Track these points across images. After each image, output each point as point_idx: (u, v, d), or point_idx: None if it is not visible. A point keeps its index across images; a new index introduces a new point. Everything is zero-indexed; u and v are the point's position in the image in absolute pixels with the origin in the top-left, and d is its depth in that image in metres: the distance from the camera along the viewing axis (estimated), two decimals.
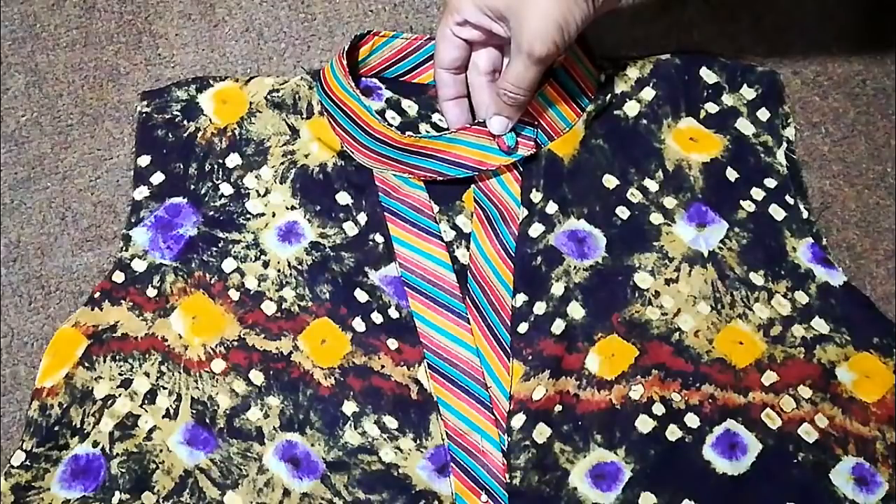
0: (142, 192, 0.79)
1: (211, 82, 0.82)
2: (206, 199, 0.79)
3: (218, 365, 0.74)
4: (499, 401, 0.73)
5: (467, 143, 0.77)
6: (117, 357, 0.74)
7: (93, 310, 0.75)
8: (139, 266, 0.77)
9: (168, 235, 0.77)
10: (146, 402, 0.73)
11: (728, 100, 0.81)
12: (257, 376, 0.74)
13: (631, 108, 0.81)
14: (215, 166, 0.79)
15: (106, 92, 0.84)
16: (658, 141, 0.80)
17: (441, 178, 0.78)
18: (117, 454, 0.72)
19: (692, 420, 0.73)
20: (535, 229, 0.77)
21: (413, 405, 0.74)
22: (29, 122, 0.84)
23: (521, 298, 0.75)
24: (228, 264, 0.77)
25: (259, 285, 0.76)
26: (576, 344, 0.75)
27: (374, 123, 0.77)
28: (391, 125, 0.79)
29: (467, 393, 0.73)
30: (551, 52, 0.71)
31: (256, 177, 0.79)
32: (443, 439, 0.72)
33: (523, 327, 0.75)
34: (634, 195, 0.79)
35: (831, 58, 0.85)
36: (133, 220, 0.78)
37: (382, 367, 0.74)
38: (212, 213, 0.78)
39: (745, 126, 0.81)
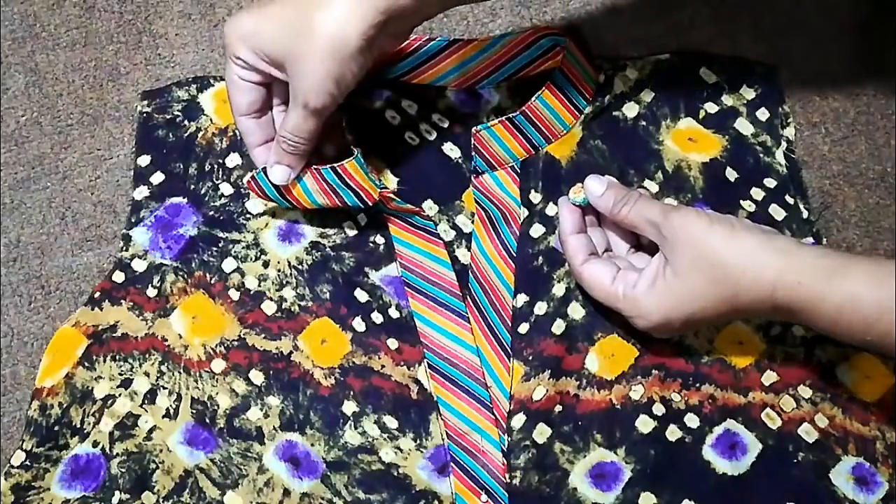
0: (142, 192, 0.79)
1: (211, 82, 0.82)
2: (207, 198, 0.79)
3: (218, 365, 0.74)
4: (499, 401, 0.73)
5: None
6: (117, 357, 0.74)
7: (93, 310, 0.75)
8: (139, 266, 0.77)
9: (168, 235, 0.77)
10: (146, 401, 0.73)
11: (727, 100, 0.81)
12: (257, 376, 0.74)
13: (630, 109, 0.81)
14: (215, 166, 0.79)
15: (106, 92, 0.84)
16: (656, 142, 0.80)
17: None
18: (117, 454, 0.72)
19: (692, 420, 0.73)
20: (536, 230, 0.77)
21: (413, 405, 0.74)
22: (29, 122, 0.84)
23: (522, 299, 0.76)
24: (228, 264, 0.77)
25: (259, 285, 0.76)
26: (576, 344, 0.75)
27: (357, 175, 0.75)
28: (391, 124, 0.79)
29: (467, 393, 0.73)
30: (327, 104, 0.69)
31: None
32: (443, 439, 0.72)
33: (524, 327, 0.75)
34: None
35: (831, 58, 0.85)
36: (133, 220, 0.78)
37: (382, 366, 0.74)
38: (212, 212, 0.78)
39: (744, 126, 0.81)
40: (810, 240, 0.77)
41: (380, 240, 0.77)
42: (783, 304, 0.64)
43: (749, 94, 0.82)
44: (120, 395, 0.73)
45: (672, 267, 0.68)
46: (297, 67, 0.68)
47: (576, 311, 0.75)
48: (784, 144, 0.80)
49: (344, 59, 0.67)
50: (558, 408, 0.73)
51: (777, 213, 0.78)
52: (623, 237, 0.75)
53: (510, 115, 0.77)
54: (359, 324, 0.75)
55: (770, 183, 0.79)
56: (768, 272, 0.64)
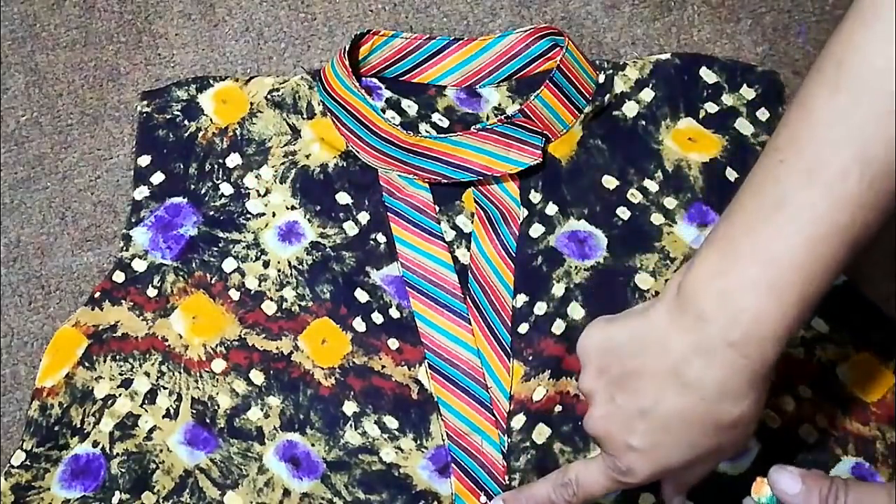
0: (142, 192, 0.79)
1: (211, 82, 0.82)
2: (207, 198, 0.79)
3: (218, 365, 0.74)
4: (499, 401, 0.73)
5: (472, 147, 0.77)
6: (117, 357, 0.74)
7: (93, 310, 0.75)
8: (139, 266, 0.77)
9: (168, 235, 0.77)
10: (146, 402, 0.73)
11: (728, 100, 0.81)
12: (257, 376, 0.74)
13: (629, 109, 0.81)
14: (215, 166, 0.79)
15: (106, 92, 0.84)
16: (656, 142, 0.80)
17: (445, 181, 0.78)
18: (117, 454, 0.72)
19: None
20: (536, 230, 0.77)
21: (413, 405, 0.74)
22: (29, 122, 0.84)
23: (522, 299, 0.76)
24: (229, 264, 0.77)
25: (259, 285, 0.76)
26: (576, 344, 0.75)
27: (380, 123, 0.77)
28: (391, 124, 0.79)
29: (468, 393, 0.73)
30: None
31: (256, 177, 0.79)
32: (443, 440, 0.72)
33: (524, 328, 0.75)
34: (635, 195, 0.79)
35: None
36: (133, 220, 0.78)
37: (383, 367, 0.74)
38: (212, 212, 0.78)
39: (744, 126, 0.81)
40: None
41: (381, 238, 0.77)
42: None
43: (749, 94, 0.82)
44: (120, 395, 0.73)
45: None
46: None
47: (576, 311, 0.75)
48: None
49: None
50: (558, 408, 0.73)
51: None
52: None
53: (509, 115, 0.77)
54: (359, 324, 0.75)
55: None
56: None
